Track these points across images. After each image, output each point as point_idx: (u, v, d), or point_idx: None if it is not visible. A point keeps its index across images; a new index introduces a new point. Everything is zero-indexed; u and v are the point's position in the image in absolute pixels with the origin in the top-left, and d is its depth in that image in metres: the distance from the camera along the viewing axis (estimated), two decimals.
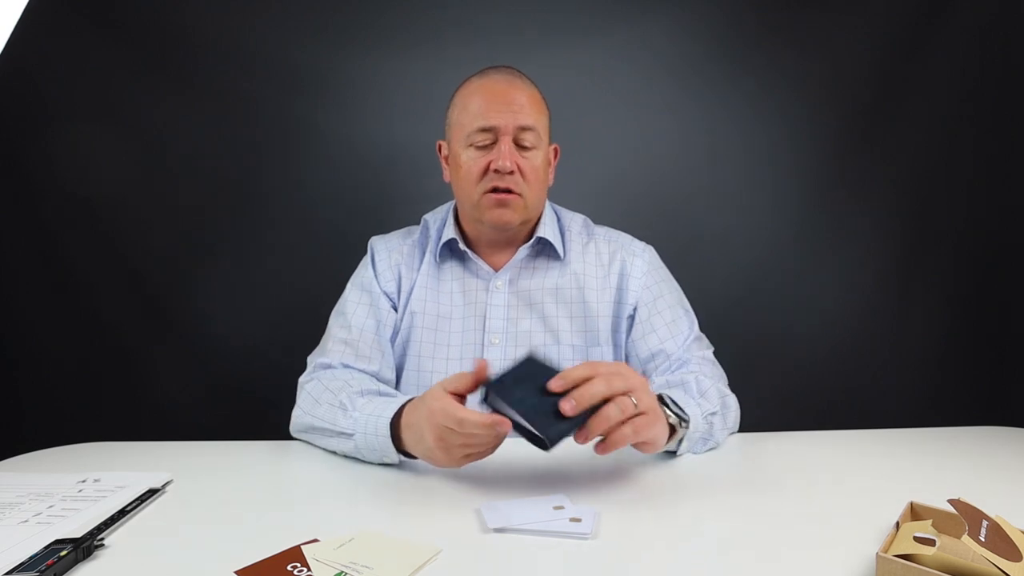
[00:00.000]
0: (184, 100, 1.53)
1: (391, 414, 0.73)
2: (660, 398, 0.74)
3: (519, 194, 0.92)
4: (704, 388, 0.83)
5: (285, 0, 1.53)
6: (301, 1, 1.54)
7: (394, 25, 1.56)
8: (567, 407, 0.60)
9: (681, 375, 0.88)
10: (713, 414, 0.80)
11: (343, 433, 0.77)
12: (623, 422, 0.63)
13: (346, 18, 1.55)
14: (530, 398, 0.62)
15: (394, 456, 0.74)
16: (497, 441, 0.67)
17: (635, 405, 0.63)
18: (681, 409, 0.75)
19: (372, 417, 0.74)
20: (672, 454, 0.78)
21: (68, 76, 1.49)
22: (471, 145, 0.92)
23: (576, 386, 0.62)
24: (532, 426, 0.62)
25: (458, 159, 0.94)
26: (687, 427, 0.74)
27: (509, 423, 0.63)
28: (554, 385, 0.62)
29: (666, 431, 0.71)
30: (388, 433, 0.72)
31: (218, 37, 1.52)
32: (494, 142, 0.91)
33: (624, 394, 0.63)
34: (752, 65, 1.59)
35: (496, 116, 0.90)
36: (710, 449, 0.82)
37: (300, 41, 1.54)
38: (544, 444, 0.62)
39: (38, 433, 1.38)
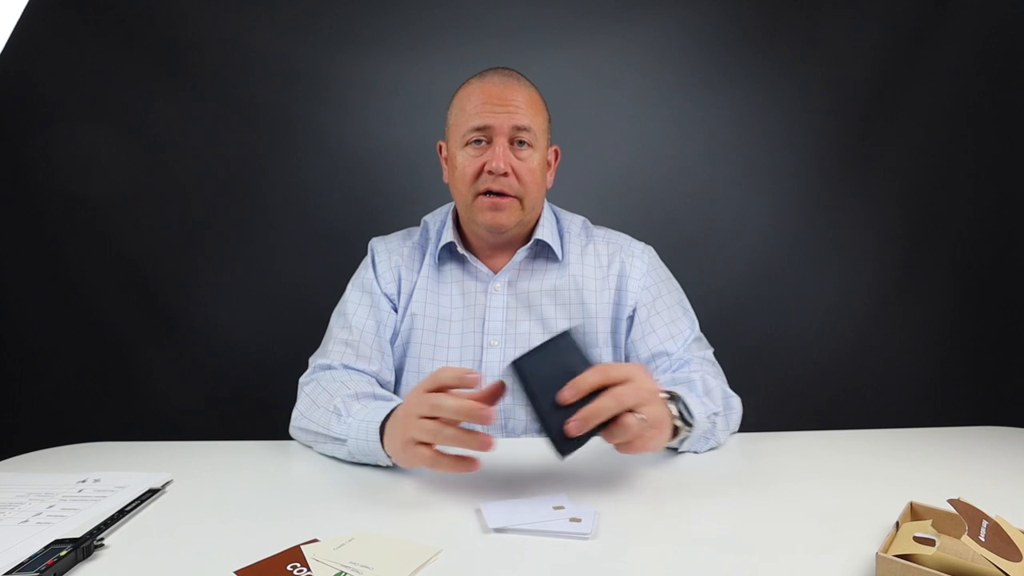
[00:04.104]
0: (184, 100, 1.53)
1: (381, 418, 0.73)
2: (671, 395, 0.74)
3: (514, 196, 0.92)
4: (709, 387, 0.83)
5: (285, 0, 1.54)
6: (301, 1, 1.54)
7: (394, 25, 1.56)
8: (573, 428, 0.60)
9: (686, 373, 0.88)
10: (716, 414, 0.80)
11: (337, 439, 0.77)
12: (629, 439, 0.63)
13: (346, 18, 1.55)
14: (548, 397, 0.61)
15: (384, 460, 0.73)
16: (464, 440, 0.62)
17: (643, 421, 0.62)
18: (689, 411, 0.74)
19: (364, 422, 0.74)
20: (673, 450, 0.79)
21: (68, 76, 1.50)
22: (467, 145, 0.92)
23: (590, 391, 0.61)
24: (548, 438, 0.62)
25: (454, 159, 0.94)
26: (690, 430, 0.74)
27: (494, 413, 0.61)
28: (566, 396, 0.61)
29: (668, 437, 0.70)
30: (378, 437, 0.72)
31: (218, 37, 1.52)
32: (490, 142, 0.91)
33: (632, 409, 0.62)
34: (752, 65, 1.59)
35: (491, 116, 0.90)
36: (711, 448, 0.82)
37: (300, 41, 1.54)
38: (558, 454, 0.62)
39: (38, 433, 1.38)
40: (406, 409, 0.66)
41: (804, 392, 1.60)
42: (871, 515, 0.59)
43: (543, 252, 1.00)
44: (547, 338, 0.64)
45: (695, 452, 0.80)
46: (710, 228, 1.62)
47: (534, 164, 0.93)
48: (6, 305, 1.55)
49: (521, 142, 0.92)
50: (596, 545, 0.55)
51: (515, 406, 0.92)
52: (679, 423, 0.72)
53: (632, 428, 0.61)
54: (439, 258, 1.00)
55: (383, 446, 0.72)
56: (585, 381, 0.61)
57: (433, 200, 1.11)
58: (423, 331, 0.97)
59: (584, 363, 0.63)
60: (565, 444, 0.61)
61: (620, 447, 0.64)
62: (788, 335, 1.62)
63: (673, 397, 0.74)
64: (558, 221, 1.04)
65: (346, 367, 0.91)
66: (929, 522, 0.55)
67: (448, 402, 0.62)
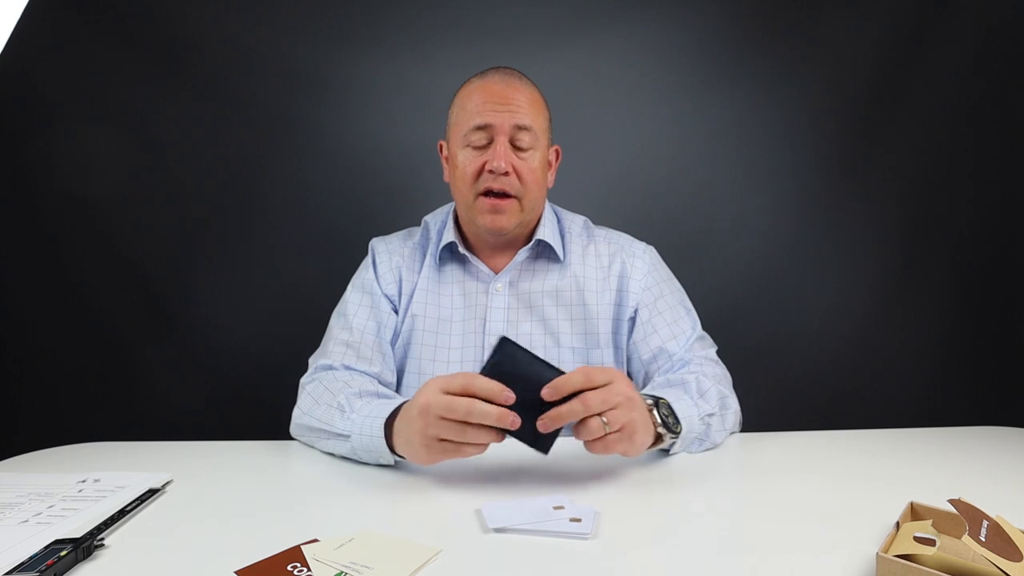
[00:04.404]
0: (184, 100, 1.53)
1: (386, 414, 0.73)
2: (657, 402, 0.74)
3: (514, 196, 0.92)
4: (704, 388, 0.83)
5: (285, 0, 1.53)
6: (301, 1, 1.54)
7: (394, 25, 1.56)
8: (541, 425, 0.64)
9: (682, 375, 0.88)
10: (711, 415, 0.80)
11: (340, 435, 0.77)
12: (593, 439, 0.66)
13: (346, 18, 1.55)
14: (518, 402, 0.64)
15: (388, 457, 0.73)
16: (484, 437, 0.65)
17: (605, 425, 0.65)
18: (674, 417, 0.75)
19: (368, 418, 0.74)
20: (666, 452, 0.78)
21: (68, 76, 1.49)
22: (468, 145, 0.92)
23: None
24: (523, 441, 0.65)
25: (455, 159, 0.94)
26: (675, 436, 0.74)
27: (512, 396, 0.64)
28: (546, 395, 0.64)
29: (647, 439, 0.71)
30: (382, 433, 0.72)
31: (218, 37, 1.52)
32: (490, 142, 0.91)
33: (600, 413, 0.64)
34: (752, 65, 1.59)
35: (492, 115, 0.90)
36: (707, 449, 0.82)
37: (300, 41, 1.54)
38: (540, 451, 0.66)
39: (38, 433, 1.38)
40: (422, 408, 0.65)
41: (804, 392, 1.60)
42: (871, 515, 0.59)
43: (544, 252, 1.00)
44: (490, 351, 0.67)
45: (689, 452, 0.80)
46: (710, 228, 1.61)
47: (535, 163, 0.93)
48: (6, 305, 1.55)
49: (521, 142, 0.92)
50: (596, 545, 0.55)
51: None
52: (662, 430, 0.72)
53: (593, 431, 0.65)
54: (440, 258, 1.00)
55: (389, 442, 0.72)
56: (567, 382, 0.64)
57: (433, 200, 1.11)
58: (424, 332, 0.97)
59: (544, 365, 0.66)
60: (540, 441, 0.65)
61: (587, 446, 0.67)
62: (788, 335, 1.62)
63: (658, 404, 0.74)
64: (559, 221, 1.04)
65: (347, 368, 0.91)
66: (929, 522, 0.55)
67: (484, 408, 0.63)
